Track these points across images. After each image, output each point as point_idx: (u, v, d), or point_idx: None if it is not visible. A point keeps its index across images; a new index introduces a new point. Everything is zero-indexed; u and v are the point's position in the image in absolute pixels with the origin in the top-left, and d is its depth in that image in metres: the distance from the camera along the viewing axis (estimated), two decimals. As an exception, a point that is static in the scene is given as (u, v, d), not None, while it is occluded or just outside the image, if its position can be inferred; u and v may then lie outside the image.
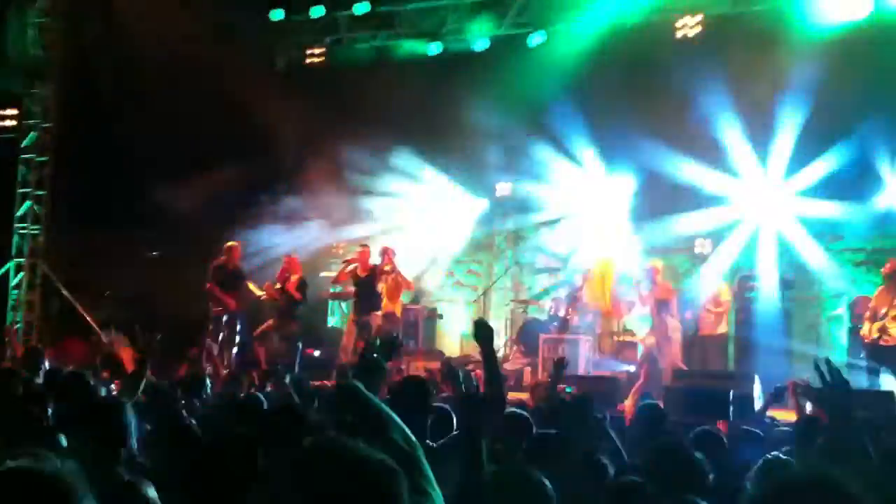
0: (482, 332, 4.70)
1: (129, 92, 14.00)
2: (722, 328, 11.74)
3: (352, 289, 13.07)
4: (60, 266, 13.95)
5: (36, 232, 14.51)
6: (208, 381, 7.30)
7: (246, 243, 13.60)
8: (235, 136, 14.11)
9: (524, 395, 10.83)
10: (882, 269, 10.27)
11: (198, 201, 13.56)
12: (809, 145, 12.52)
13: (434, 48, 15.21)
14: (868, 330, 10.09)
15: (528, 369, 12.21)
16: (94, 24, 14.10)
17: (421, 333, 14.00)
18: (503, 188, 15.08)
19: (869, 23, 11.99)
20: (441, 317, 14.44)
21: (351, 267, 12.69)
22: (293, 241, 14.67)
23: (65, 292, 13.04)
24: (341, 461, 1.81)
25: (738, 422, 8.27)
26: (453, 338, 14.73)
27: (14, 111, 14.90)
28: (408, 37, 15.56)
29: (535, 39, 14.51)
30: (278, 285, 12.56)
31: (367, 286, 12.61)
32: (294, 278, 12.59)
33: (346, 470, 1.79)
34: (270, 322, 12.54)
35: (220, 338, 12.11)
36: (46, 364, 7.62)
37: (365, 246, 13.06)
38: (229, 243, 12.63)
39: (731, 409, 9.22)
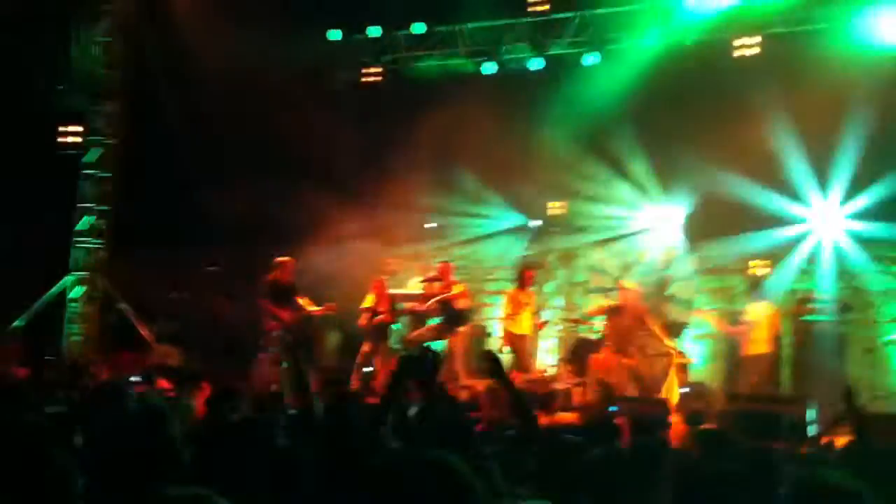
0: (490, 366, 4.66)
1: (190, 110, 14.29)
2: (759, 348, 11.48)
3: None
4: (120, 280, 14.22)
5: (98, 246, 14.81)
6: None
7: (301, 259, 13.74)
8: (293, 155, 14.28)
9: (573, 416, 10.78)
10: None
11: (256, 218, 13.75)
12: (870, 167, 12.29)
13: (490, 68, 15.29)
14: None
15: (577, 389, 12.08)
16: (155, 43, 14.44)
17: (471, 352, 13.93)
18: (556, 207, 15.03)
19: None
20: (490, 335, 14.34)
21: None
22: (347, 257, 14.80)
23: (124, 306, 13.31)
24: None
25: (793, 445, 8.14)
26: (503, 356, 14.65)
27: (79, 128, 15.27)
28: (464, 56, 15.67)
29: (591, 59, 14.51)
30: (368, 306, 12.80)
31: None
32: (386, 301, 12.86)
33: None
34: (366, 347, 12.79)
35: (274, 354, 12.21)
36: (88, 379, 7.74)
37: (444, 262, 13.18)
38: (282, 258, 12.76)
39: (786, 432, 9.08)
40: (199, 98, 13.88)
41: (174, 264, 13.06)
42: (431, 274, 13.01)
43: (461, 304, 12.69)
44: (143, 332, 12.63)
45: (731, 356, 11.77)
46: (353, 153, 15.10)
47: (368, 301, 13.08)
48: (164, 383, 8.77)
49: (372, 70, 16.47)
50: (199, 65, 13.49)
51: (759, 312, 11.63)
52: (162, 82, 14.60)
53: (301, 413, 6.09)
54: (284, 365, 12.10)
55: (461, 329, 12.65)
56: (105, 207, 14.91)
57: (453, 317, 12.63)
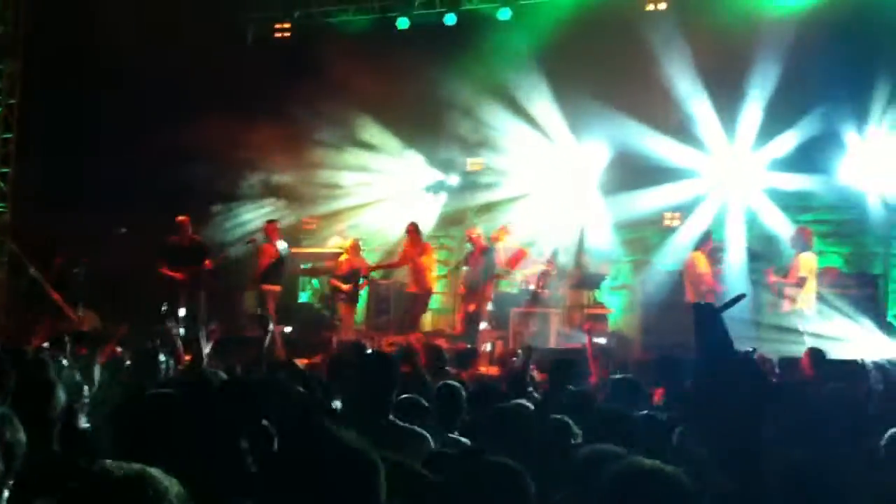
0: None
1: (95, 66, 13.84)
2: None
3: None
4: (27, 244, 13.79)
5: (2, 210, 14.35)
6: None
7: (219, 219, 13.64)
8: (204, 111, 13.95)
9: (494, 369, 10.91)
10: None
11: (166, 177, 13.47)
12: (777, 118, 12.66)
13: (402, 23, 15.18)
14: None
15: (499, 342, 12.24)
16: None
17: (392, 308, 13.97)
18: (474, 163, 15.08)
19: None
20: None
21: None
22: (264, 216, 14.69)
23: (32, 270, 12.92)
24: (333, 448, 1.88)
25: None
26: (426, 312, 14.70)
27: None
28: (376, 12, 15.51)
29: (504, 14, 14.53)
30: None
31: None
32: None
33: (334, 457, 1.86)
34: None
35: (183, 314, 12.08)
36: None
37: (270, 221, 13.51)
38: (179, 218, 12.67)
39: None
40: (105, 53, 13.42)
41: (83, 226, 12.68)
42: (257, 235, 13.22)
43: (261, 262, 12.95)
44: (56, 297, 12.30)
45: (647, 306, 12.03)
46: (263, 110, 14.85)
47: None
48: (82, 350, 8.55)
49: (283, 25, 16.17)
50: (105, 20, 13.04)
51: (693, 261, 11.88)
52: (64, 38, 14.08)
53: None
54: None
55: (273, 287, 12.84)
56: (6, 170, 14.41)
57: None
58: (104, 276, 12.60)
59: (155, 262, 12.35)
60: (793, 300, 10.98)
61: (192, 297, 12.33)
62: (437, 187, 15.31)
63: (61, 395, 4.25)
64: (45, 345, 8.88)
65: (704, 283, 11.42)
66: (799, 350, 9.11)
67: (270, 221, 13.50)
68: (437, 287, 13.80)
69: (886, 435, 4.50)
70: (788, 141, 12.61)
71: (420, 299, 13.13)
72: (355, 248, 13.55)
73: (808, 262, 11.06)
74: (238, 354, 8.58)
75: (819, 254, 11.73)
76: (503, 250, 13.00)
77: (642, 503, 2.59)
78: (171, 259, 12.31)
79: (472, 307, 12.63)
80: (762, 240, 12.73)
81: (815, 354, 8.51)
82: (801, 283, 10.93)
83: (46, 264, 12.74)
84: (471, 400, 5.47)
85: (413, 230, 13.24)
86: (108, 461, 1.84)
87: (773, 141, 12.78)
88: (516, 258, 12.97)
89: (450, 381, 5.72)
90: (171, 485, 1.80)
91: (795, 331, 10.66)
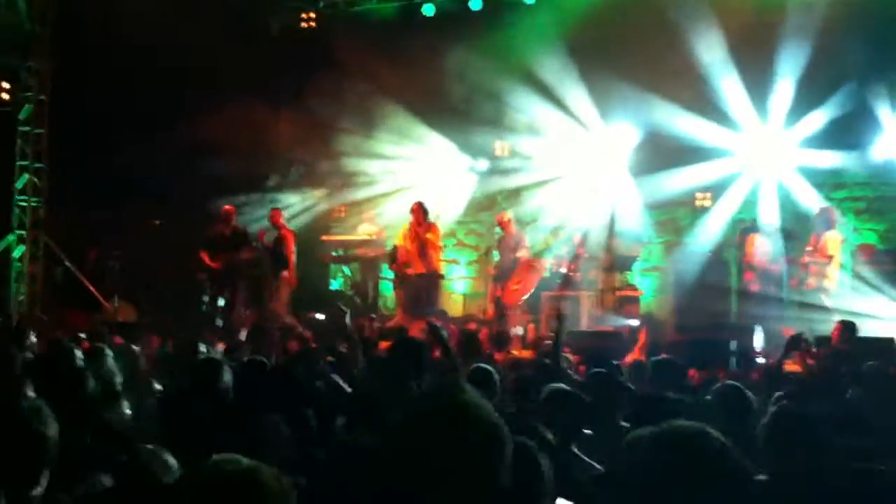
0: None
1: (122, 62, 13.92)
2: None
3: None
4: (62, 237, 13.97)
5: (36, 204, 14.53)
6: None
7: (249, 209, 13.73)
8: (231, 102, 14.01)
9: (528, 352, 10.93)
10: None
11: (195, 169, 13.56)
12: (808, 95, 12.51)
13: (428, 10, 15.15)
14: None
15: (531, 326, 12.26)
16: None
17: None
18: (502, 147, 15.04)
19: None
20: (443, 277, 14.28)
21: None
22: (297, 203, 14.79)
23: (68, 263, 13.08)
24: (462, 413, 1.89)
25: (739, 372, 8.35)
26: (456, 298, 14.73)
27: (8, 84, 14.83)
28: (401, -1, 15.53)
29: (529, -2, 14.49)
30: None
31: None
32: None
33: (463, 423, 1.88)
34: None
35: (221, 304, 12.20)
36: (33, 338, 7.67)
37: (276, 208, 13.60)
38: (225, 207, 12.79)
39: (734, 360, 9.31)
40: (131, 48, 13.50)
41: (117, 220, 12.83)
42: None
43: (288, 248, 12.90)
44: (92, 289, 12.47)
45: (680, 287, 11.98)
46: (291, 100, 14.90)
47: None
48: (118, 339, 8.69)
49: (309, 14, 16.18)
50: (131, 14, 13.11)
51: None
52: (92, 34, 14.19)
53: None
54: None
55: (285, 273, 12.85)
56: (41, 165, 14.59)
57: (280, 260, 12.85)
58: (139, 269, 12.73)
59: (196, 252, 12.46)
60: (820, 277, 10.90)
61: (230, 286, 12.44)
62: (465, 173, 15.27)
63: (92, 386, 4.30)
64: (83, 336, 9.05)
65: (748, 264, 11.45)
66: (829, 328, 9.07)
67: (276, 208, 13.55)
68: (443, 269, 13.57)
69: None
70: (820, 118, 12.47)
71: (430, 280, 12.88)
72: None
73: (835, 241, 11.01)
74: (270, 342, 8.71)
75: (854, 231, 11.62)
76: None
77: (686, 465, 2.14)
78: (213, 248, 12.45)
79: (500, 291, 12.66)
80: (795, 218, 12.60)
81: (848, 327, 8.51)
82: (831, 260, 10.88)
83: (81, 258, 12.88)
84: (504, 382, 5.48)
85: (417, 209, 12.94)
86: (222, 455, 1.83)
87: (804, 118, 12.64)
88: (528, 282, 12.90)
89: (482, 365, 5.72)
90: (280, 484, 1.79)
91: (823, 308, 10.61)
